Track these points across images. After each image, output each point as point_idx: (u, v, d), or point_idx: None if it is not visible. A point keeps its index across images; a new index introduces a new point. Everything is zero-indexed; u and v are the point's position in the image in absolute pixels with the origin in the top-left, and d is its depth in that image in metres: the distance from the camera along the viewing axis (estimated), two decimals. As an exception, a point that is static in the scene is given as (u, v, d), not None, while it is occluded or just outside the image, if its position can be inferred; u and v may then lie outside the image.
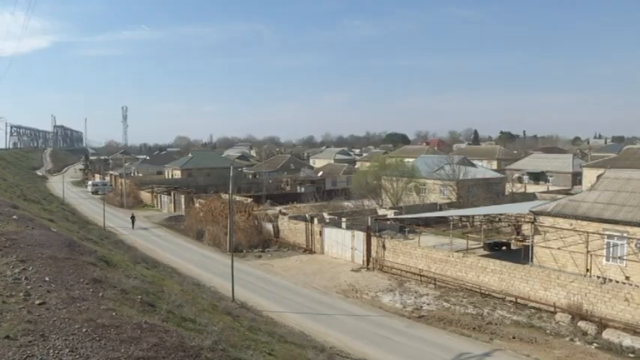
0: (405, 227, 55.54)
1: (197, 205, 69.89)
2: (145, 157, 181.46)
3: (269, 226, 56.88)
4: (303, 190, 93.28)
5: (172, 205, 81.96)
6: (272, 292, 38.63)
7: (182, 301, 21.50)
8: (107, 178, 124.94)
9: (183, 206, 76.58)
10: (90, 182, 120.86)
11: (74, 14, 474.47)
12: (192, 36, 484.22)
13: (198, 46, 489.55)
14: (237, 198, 68.30)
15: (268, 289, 39.23)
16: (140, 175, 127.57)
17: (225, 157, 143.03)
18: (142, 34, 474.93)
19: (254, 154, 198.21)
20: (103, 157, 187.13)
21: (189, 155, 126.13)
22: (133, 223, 65.12)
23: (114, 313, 13.15)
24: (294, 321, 31.77)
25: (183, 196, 79.41)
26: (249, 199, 71.65)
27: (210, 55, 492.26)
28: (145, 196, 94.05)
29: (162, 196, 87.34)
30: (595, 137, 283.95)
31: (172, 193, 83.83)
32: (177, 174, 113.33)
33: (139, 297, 16.76)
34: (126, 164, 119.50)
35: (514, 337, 29.42)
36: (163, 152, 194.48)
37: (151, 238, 59.13)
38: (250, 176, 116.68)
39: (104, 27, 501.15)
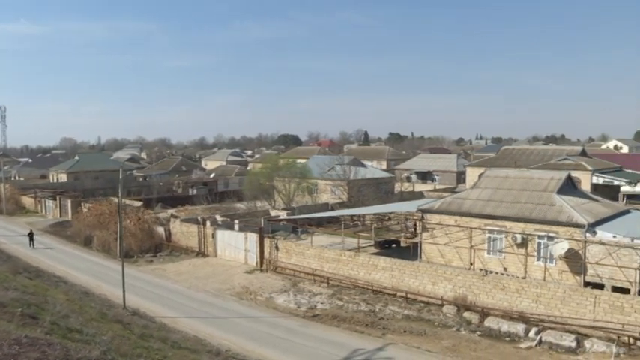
0: (298, 228, 55.96)
1: (85, 209, 66.88)
2: (27, 160, 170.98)
3: (161, 230, 55.43)
4: (194, 192, 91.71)
5: (58, 210, 77.87)
6: (165, 297, 37.66)
7: (68, 311, 20.53)
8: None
9: (69, 211, 72.94)
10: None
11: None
12: (77, 32, 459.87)
13: (84, 44, 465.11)
14: (127, 202, 66.03)
15: (161, 294, 38.19)
16: (22, 179, 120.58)
17: (114, 160, 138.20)
18: (21, 28, 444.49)
19: (144, 157, 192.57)
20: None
21: (76, 158, 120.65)
22: (31, 240, 56.06)
23: (-11, 328, 12.29)
24: (188, 325, 31.12)
25: (69, 200, 75.69)
26: (140, 203, 69.51)
27: (97, 53, 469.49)
28: (28, 201, 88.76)
29: (47, 201, 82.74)
30: (477, 138, 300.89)
31: (58, 198, 79.59)
32: (63, 178, 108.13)
33: (19, 309, 15.82)
34: (5, 167, 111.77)
35: (405, 331, 30.48)
36: (47, 155, 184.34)
37: (35, 246, 55.71)
38: (141, 179, 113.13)
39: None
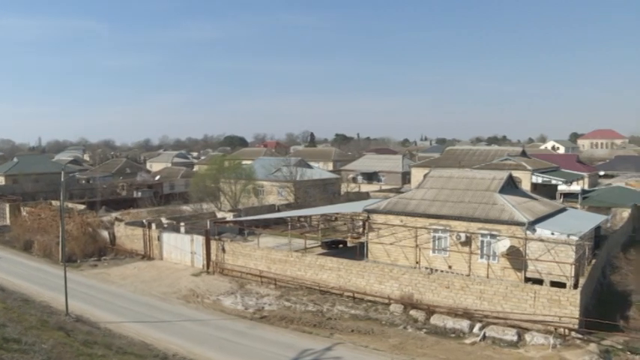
0: (245, 229, 55.67)
1: (24, 213, 64.74)
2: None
3: (105, 234, 54.16)
4: (139, 194, 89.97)
5: (-6, 214, 75.06)
6: (109, 301, 36.82)
7: (5, 320, 19.91)
8: None
9: (7, 215, 70.39)
10: None
11: None
12: (13, 29, 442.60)
13: (21, 41, 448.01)
14: (70, 205, 64.39)
15: (105, 299, 37.32)
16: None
17: (55, 162, 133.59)
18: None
19: (87, 159, 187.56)
20: None
21: (14, 160, 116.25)
22: None
23: None
24: (134, 331, 30.57)
25: (8, 204, 72.92)
26: (83, 206, 67.93)
27: (36, 52, 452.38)
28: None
29: (-18, 205, 79.65)
30: (421, 139, 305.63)
31: (-6, 202, 76.75)
32: (1, 180, 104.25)
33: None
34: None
35: (353, 330, 30.76)
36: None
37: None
38: (84, 181, 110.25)
39: None
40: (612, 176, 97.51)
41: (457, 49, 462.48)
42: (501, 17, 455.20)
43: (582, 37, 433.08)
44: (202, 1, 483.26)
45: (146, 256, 50.02)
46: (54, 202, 67.99)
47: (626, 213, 54.87)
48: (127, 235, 52.78)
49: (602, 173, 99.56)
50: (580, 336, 28.76)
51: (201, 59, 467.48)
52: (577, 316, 29.10)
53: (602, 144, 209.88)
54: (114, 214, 67.29)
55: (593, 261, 36.22)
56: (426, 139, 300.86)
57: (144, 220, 55.68)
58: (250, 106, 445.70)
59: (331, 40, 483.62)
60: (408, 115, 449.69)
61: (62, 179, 37.98)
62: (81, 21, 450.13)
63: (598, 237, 42.45)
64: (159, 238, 49.46)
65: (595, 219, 42.56)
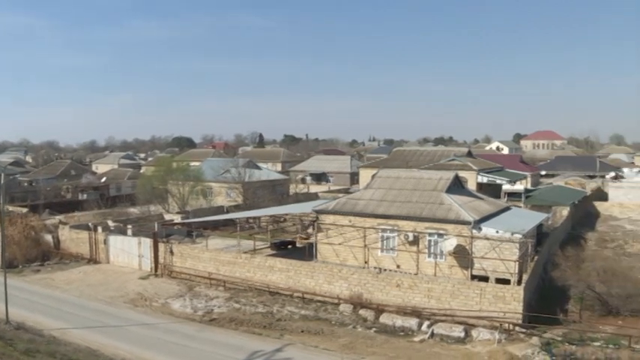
0: (193, 231, 55.11)
1: (-42, 218, 62.32)
2: None
3: (49, 238, 52.64)
4: (85, 197, 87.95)
5: None
6: (53, 307, 35.80)
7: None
8: None
9: (-61, 221, 67.65)
10: None
11: None
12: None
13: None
14: (11, 208, 62.34)
15: (49, 305, 36.25)
16: None
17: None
18: None
19: (30, 160, 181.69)
20: None
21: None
22: None
23: None
24: (80, 337, 29.83)
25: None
26: (25, 209, 65.81)
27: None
28: None
29: None
30: (370, 140, 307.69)
31: None
32: None
33: None
34: None
35: (303, 331, 30.87)
36: None
37: None
38: (26, 184, 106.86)
39: None
40: (553, 176, 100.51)
41: (406, 51, 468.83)
42: (452, 18, 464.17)
43: (523, 40, 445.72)
44: (150, 1, 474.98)
45: (92, 260, 48.89)
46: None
47: (565, 211, 56.81)
48: (72, 239, 51.49)
49: (543, 173, 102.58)
50: (523, 330, 29.65)
51: (148, 59, 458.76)
52: (521, 311, 30.01)
53: (543, 145, 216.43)
54: (58, 218, 65.58)
55: (536, 258, 37.30)
56: (374, 140, 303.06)
57: (89, 223, 54.41)
58: (198, 107, 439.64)
59: (281, 41, 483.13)
60: (357, 116, 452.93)
61: (2, 181, 36.80)
62: (21, 17, 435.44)
63: (540, 234, 43.72)
64: (105, 242, 48.43)
65: (537, 217, 43.89)
